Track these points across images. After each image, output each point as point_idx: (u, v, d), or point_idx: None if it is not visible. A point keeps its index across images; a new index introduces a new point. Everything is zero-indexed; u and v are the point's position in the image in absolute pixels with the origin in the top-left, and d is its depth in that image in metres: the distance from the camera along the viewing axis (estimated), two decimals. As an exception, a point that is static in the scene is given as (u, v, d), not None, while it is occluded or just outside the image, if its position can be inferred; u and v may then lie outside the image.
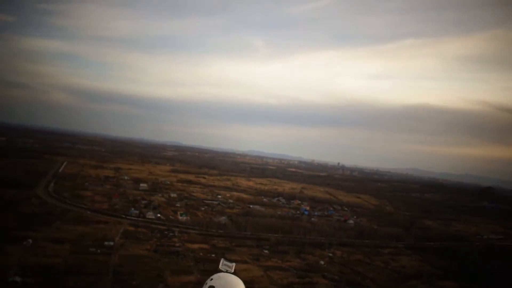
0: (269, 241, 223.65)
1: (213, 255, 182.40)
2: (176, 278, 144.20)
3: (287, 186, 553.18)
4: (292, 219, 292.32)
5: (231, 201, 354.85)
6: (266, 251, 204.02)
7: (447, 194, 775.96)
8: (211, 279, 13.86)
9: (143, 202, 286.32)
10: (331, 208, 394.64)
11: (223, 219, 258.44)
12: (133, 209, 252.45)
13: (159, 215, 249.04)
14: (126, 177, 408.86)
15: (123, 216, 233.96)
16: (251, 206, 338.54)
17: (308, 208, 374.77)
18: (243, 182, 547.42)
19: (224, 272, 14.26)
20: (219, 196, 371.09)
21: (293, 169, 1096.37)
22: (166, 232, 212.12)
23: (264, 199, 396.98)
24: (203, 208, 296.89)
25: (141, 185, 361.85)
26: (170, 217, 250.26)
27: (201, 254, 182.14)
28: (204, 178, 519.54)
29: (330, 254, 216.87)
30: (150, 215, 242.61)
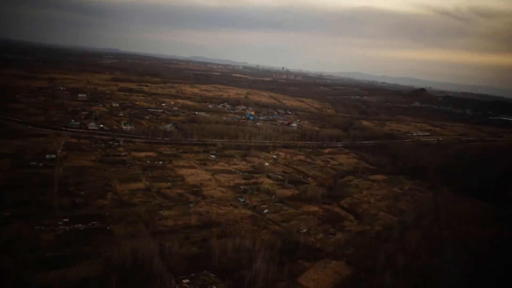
0: (215, 146, 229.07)
1: (160, 162, 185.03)
2: (124, 186, 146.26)
3: (232, 92, 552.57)
4: (238, 124, 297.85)
5: (176, 108, 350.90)
6: (213, 156, 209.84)
7: (384, 96, 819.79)
8: None
9: (83, 113, 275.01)
10: (275, 113, 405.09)
11: (168, 126, 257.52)
12: (73, 120, 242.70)
13: (101, 125, 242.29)
14: (62, 88, 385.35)
15: (63, 128, 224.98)
16: (196, 113, 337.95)
17: (253, 113, 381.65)
18: (188, 89, 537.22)
19: None
20: (163, 104, 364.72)
21: (238, 75, 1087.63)
22: (110, 142, 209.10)
23: (209, 106, 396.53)
24: (147, 117, 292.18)
25: (80, 95, 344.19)
26: (114, 127, 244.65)
27: (148, 162, 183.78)
28: (147, 86, 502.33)
29: (274, 156, 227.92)
30: (92, 126, 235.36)
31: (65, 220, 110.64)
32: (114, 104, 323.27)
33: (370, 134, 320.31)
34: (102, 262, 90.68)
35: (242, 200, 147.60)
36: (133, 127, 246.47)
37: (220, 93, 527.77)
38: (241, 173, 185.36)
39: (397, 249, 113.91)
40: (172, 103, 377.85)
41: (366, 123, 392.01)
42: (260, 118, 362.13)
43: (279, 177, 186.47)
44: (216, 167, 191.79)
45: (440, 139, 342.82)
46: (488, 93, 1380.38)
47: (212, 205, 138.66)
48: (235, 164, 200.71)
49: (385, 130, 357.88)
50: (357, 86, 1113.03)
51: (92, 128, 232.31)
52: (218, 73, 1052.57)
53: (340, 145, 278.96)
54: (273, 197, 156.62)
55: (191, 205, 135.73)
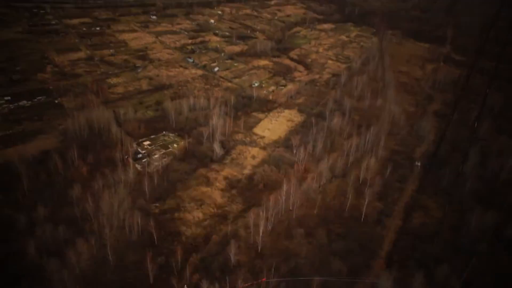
0: (155, 6, 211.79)
1: (97, 28, 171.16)
2: (63, 57, 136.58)
3: None
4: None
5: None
6: (154, 17, 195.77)
7: None
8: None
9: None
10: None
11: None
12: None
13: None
14: None
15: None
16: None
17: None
18: None
19: None
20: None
21: None
22: (35, 10, 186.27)
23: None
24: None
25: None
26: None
27: (84, 29, 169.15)
28: None
29: (219, 12, 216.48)
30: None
31: (6, 98, 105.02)
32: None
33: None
34: (58, 134, 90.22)
35: (191, 60, 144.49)
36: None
37: None
38: (186, 33, 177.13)
39: (344, 94, 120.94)
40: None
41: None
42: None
43: (227, 33, 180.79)
44: (159, 28, 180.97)
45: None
46: None
47: (160, 68, 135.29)
48: (178, 24, 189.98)
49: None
50: None
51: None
52: None
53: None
54: (222, 54, 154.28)
55: (139, 70, 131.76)
